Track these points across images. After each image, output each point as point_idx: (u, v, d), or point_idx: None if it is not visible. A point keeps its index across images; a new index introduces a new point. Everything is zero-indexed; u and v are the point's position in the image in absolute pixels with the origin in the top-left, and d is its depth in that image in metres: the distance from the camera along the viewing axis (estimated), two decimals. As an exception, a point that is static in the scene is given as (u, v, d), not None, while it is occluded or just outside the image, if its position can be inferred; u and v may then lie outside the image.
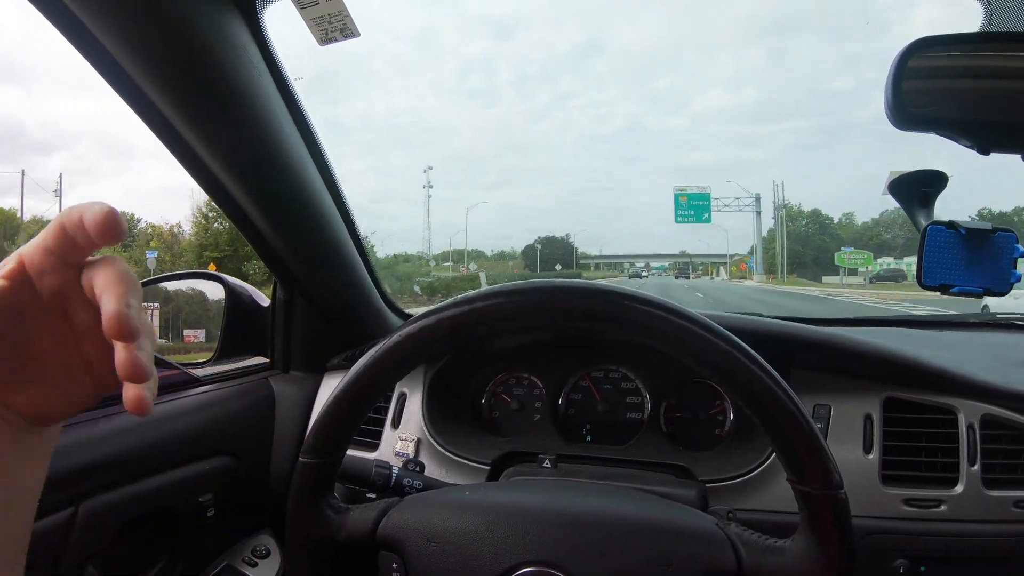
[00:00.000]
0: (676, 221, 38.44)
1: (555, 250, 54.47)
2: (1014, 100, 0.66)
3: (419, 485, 0.78)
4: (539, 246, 53.94)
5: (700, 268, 55.39)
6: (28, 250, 0.36)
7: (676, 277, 47.56)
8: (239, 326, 1.12)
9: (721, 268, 50.82)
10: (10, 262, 0.35)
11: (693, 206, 38.25)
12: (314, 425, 0.56)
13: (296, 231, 0.98)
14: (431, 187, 47.65)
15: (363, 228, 1.09)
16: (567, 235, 59.19)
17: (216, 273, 1.14)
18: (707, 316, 0.52)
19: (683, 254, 60.18)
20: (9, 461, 0.37)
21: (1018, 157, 0.67)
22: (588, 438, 1.03)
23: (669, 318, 0.50)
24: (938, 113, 0.68)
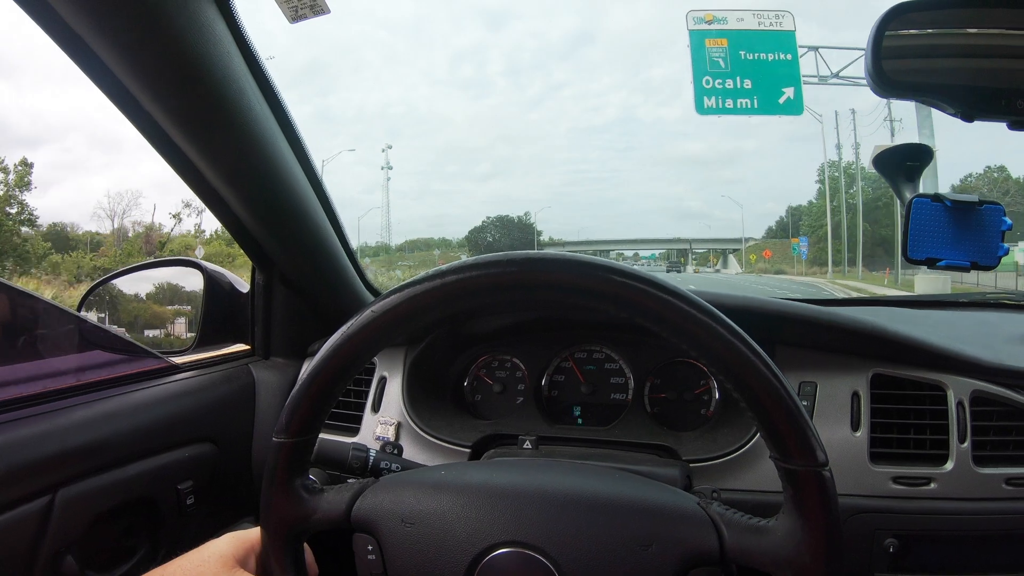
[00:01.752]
0: (699, 110, 15.46)
1: (510, 233, 44.99)
2: (996, 65, 0.65)
3: (397, 468, 0.77)
4: (491, 229, 45.90)
5: (695, 259, 46.87)
6: None
7: (667, 270, 38.09)
8: (218, 313, 1.11)
9: (730, 257, 42.88)
10: None
11: (746, 68, 14.97)
12: (288, 405, 0.55)
13: (274, 214, 0.96)
14: (391, 168, 44.17)
15: (348, 219, 1.08)
16: (525, 214, 47.92)
17: (193, 259, 1.13)
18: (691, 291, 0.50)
19: (676, 240, 49.23)
20: None
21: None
22: (580, 421, 1.02)
23: (649, 291, 0.48)
24: (919, 79, 0.66)
